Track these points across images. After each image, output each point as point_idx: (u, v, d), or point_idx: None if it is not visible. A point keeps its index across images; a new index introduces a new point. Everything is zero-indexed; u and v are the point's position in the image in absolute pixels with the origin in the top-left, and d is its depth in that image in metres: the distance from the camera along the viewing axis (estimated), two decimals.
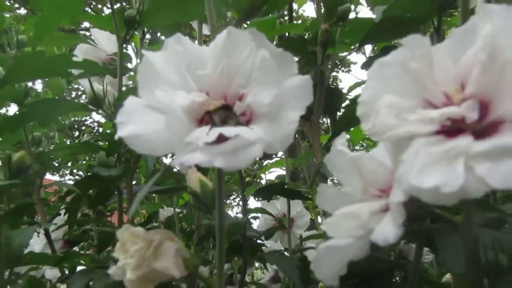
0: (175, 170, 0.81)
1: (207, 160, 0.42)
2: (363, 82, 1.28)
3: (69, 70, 0.74)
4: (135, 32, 0.96)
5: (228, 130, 0.41)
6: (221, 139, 0.44)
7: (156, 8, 0.73)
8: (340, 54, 1.32)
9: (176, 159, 0.43)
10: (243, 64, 0.47)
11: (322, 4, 0.99)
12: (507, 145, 0.34)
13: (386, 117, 0.39)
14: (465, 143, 0.35)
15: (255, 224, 1.49)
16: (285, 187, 0.90)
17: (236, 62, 0.48)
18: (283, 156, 1.49)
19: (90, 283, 0.75)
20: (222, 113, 0.44)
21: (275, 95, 0.45)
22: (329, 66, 0.97)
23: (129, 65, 1.02)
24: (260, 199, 1.26)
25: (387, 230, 0.38)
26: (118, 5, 0.83)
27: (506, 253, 0.45)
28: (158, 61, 0.49)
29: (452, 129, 0.38)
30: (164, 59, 0.49)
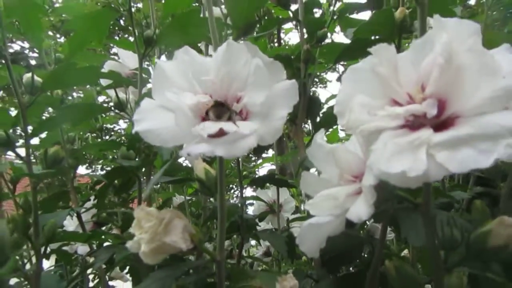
0: (184, 163, 0.79)
1: (210, 149, 0.40)
2: (336, 96, 1.28)
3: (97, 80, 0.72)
4: (152, 56, 0.94)
5: (227, 126, 0.39)
6: (222, 133, 0.43)
7: (168, 29, 0.71)
8: (318, 73, 1.31)
9: (184, 150, 0.41)
10: (240, 71, 0.46)
11: (304, 30, 0.97)
12: (461, 136, 0.32)
13: (358, 114, 0.37)
14: (426, 134, 0.34)
15: (250, 210, 1.48)
16: (276, 176, 0.88)
17: (234, 69, 0.46)
18: (273, 154, 1.47)
19: (114, 256, 0.73)
20: (217, 110, 0.41)
21: (267, 96, 0.43)
22: (310, 79, 0.96)
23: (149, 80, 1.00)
24: (255, 188, 1.24)
25: (361, 209, 0.36)
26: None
27: (459, 229, 0.43)
28: (169, 68, 0.47)
29: (415, 124, 0.36)
30: (174, 66, 0.47)
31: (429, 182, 0.40)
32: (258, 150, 0.81)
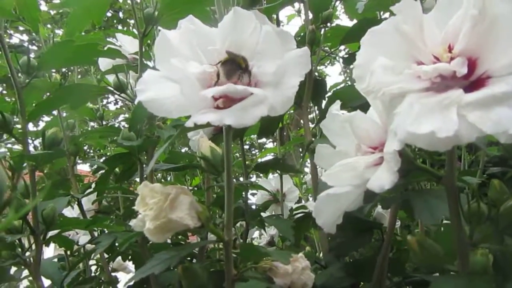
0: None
1: (218, 118, 0.37)
2: (339, 84, 1.25)
3: (94, 59, 0.69)
4: (152, 44, 0.91)
5: (238, 87, 0.36)
6: (230, 104, 0.40)
7: (170, 5, 0.68)
8: (319, 67, 1.28)
9: (191, 119, 0.38)
10: (248, 39, 0.43)
11: (309, 11, 0.94)
12: (496, 95, 0.29)
13: (380, 76, 0.34)
14: (456, 94, 0.31)
15: (254, 199, 1.45)
16: (280, 161, 0.85)
17: (242, 37, 0.43)
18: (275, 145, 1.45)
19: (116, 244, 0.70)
20: (228, 67, 0.38)
21: (279, 65, 0.40)
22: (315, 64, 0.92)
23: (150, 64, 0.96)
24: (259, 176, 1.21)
25: (383, 178, 0.33)
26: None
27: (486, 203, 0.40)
28: (173, 37, 0.43)
29: (440, 87, 0.33)
30: (178, 36, 0.44)
31: (453, 150, 0.37)
32: (263, 132, 0.78)
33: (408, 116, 0.31)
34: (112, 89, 0.71)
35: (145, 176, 0.77)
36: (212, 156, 0.52)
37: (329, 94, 1.06)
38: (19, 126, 0.72)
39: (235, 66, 0.38)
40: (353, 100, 0.72)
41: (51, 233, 0.73)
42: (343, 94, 0.77)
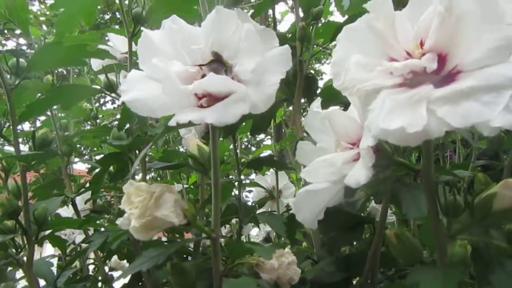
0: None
1: (199, 117, 0.38)
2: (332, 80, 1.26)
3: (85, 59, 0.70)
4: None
5: (218, 76, 0.38)
6: (213, 103, 0.41)
7: (158, 4, 0.69)
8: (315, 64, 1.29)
9: (173, 118, 0.39)
10: (231, 38, 0.44)
11: (300, 8, 0.95)
12: (464, 89, 0.31)
13: (355, 73, 0.35)
14: (426, 90, 0.32)
15: (250, 196, 1.46)
16: (274, 158, 0.86)
17: (225, 36, 0.44)
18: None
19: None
20: (213, 66, 0.40)
21: (258, 63, 0.41)
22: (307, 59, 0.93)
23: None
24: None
25: (359, 173, 0.35)
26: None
27: (462, 196, 0.41)
28: (156, 37, 0.45)
29: (413, 82, 0.34)
30: (161, 36, 0.45)
31: (430, 143, 0.38)
32: (256, 129, 0.79)
33: (380, 112, 0.32)
34: (102, 89, 0.72)
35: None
36: (200, 155, 0.54)
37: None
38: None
39: (220, 66, 0.39)
40: (344, 96, 0.73)
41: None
42: (334, 90, 0.78)
